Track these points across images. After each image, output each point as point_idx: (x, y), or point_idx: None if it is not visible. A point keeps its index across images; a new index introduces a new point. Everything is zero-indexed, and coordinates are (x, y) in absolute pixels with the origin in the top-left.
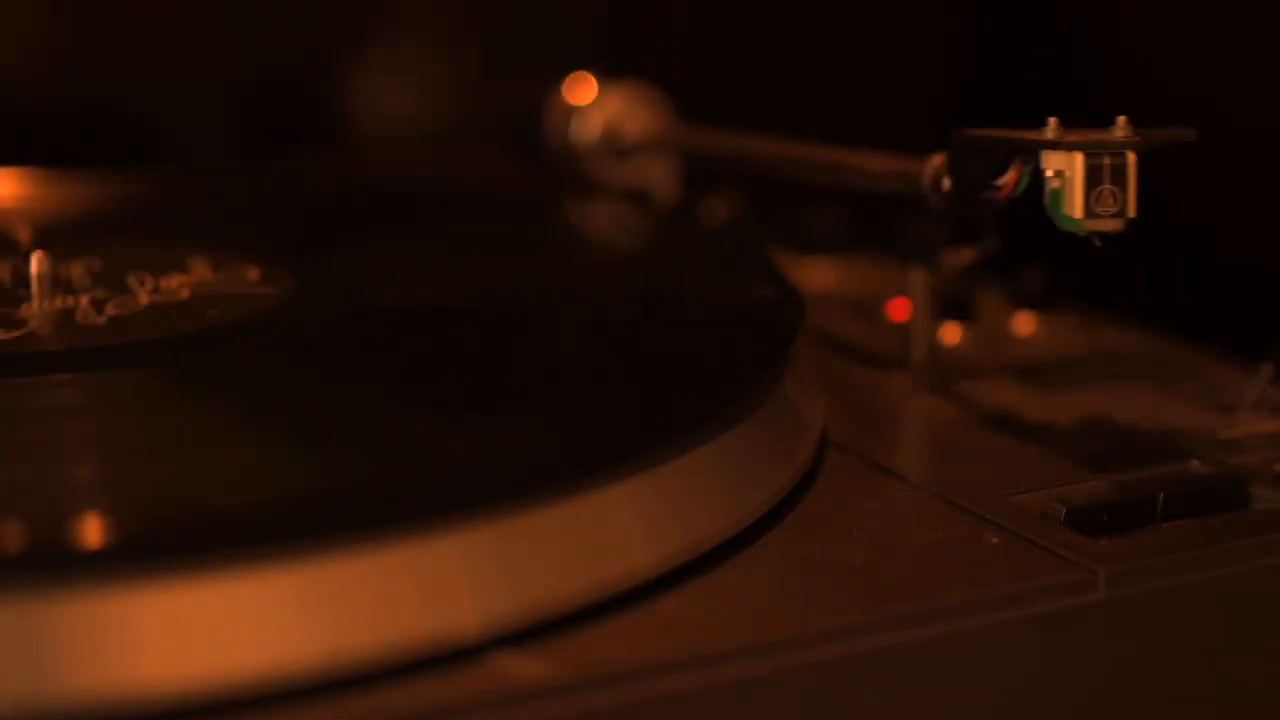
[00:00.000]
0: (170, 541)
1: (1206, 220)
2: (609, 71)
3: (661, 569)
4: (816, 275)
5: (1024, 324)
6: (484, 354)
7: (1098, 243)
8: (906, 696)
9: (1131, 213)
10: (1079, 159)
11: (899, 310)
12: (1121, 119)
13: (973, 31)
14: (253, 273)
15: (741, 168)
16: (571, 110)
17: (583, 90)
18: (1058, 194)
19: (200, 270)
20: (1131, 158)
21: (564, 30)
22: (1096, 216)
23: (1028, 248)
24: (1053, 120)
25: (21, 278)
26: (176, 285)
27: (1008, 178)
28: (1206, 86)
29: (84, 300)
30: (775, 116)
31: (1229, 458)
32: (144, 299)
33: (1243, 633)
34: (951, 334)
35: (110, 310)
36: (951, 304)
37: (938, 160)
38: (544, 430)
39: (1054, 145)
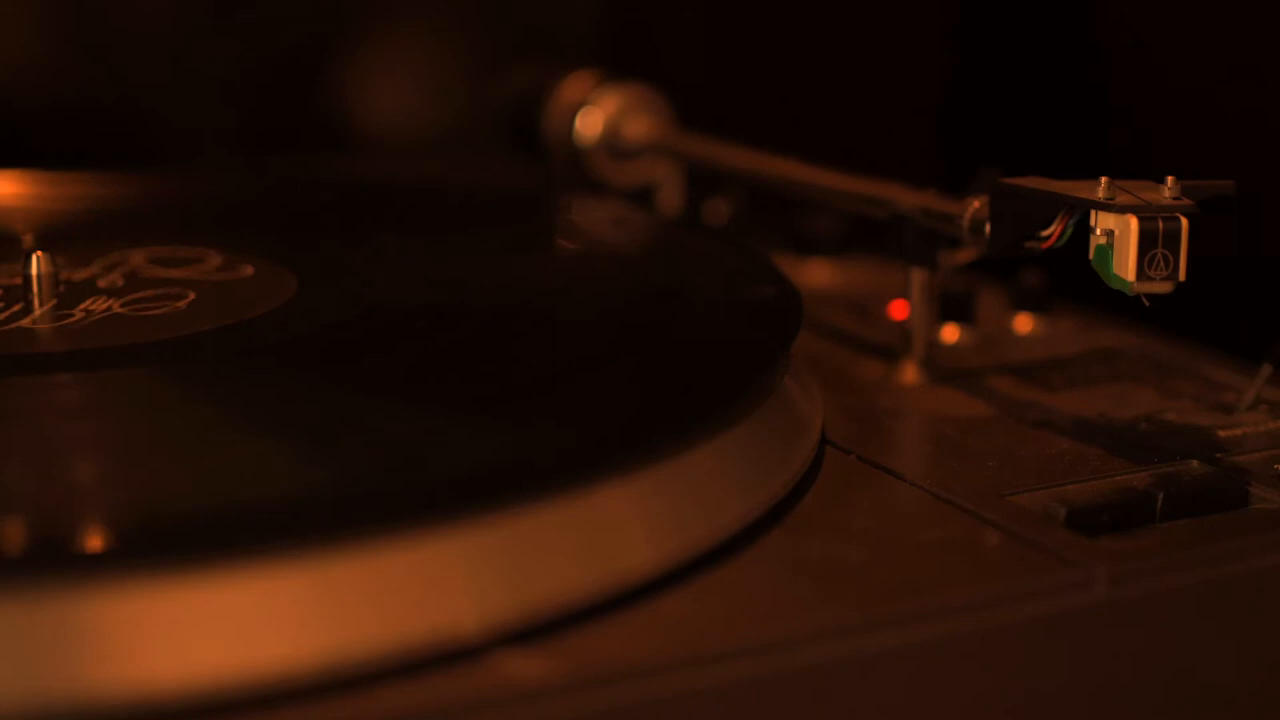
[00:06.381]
0: (170, 541)
1: (1206, 219)
2: (609, 71)
3: (662, 569)
4: (816, 275)
5: (1024, 324)
6: (484, 354)
7: (1146, 303)
8: (906, 696)
9: (1182, 277)
10: (1133, 222)
11: (899, 310)
12: (1170, 179)
13: (968, 29)
14: (252, 272)
15: (748, 182)
16: (572, 110)
17: (583, 90)
18: (1105, 251)
19: (200, 270)
20: (1184, 222)
21: (564, 29)
22: (1148, 279)
23: None
24: (1104, 179)
25: (22, 278)
26: (176, 285)
27: (1052, 230)
28: (1204, 81)
29: (85, 300)
30: (773, 114)
31: (1229, 458)
32: (144, 299)
33: (1243, 633)
34: (951, 334)
35: (110, 310)
36: (951, 304)
37: (976, 204)
38: (544, 430)
39: (1105, 206)
